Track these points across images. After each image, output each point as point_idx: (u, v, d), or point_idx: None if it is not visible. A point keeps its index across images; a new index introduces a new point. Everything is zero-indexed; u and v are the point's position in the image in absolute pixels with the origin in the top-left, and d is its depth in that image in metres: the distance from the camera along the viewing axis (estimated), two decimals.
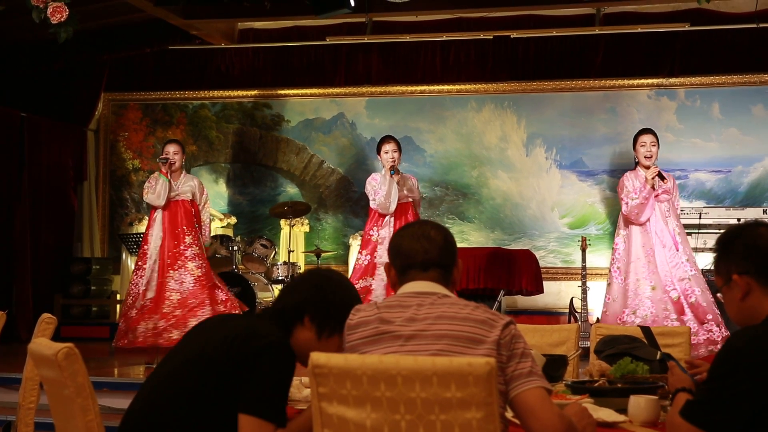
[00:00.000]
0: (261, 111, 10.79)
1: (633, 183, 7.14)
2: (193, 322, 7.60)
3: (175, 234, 7.93)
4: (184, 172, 8.23)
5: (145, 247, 7.98)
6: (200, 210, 8.17)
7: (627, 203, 7.10)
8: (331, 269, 2.90)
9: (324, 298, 2.69)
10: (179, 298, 7.76)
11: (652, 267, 7.07)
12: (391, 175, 7.67)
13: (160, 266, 7.88)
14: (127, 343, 7.74)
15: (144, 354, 7.74)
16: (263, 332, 2.54)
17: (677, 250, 7.08)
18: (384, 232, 7.74)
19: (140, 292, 7.84)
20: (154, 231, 7.98)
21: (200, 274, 7.88)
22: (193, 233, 7.98)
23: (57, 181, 10.46)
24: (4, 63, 10.12)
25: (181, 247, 7.90)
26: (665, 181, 7.14)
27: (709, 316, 6.92)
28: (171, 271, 7.85)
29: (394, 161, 7.72)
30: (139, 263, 7.99)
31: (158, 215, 7.99)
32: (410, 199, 7.91)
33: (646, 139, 7.20)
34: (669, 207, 7.21)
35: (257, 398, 2.46)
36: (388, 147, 7.76)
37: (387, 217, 7.75)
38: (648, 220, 7.13)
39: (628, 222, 7.22)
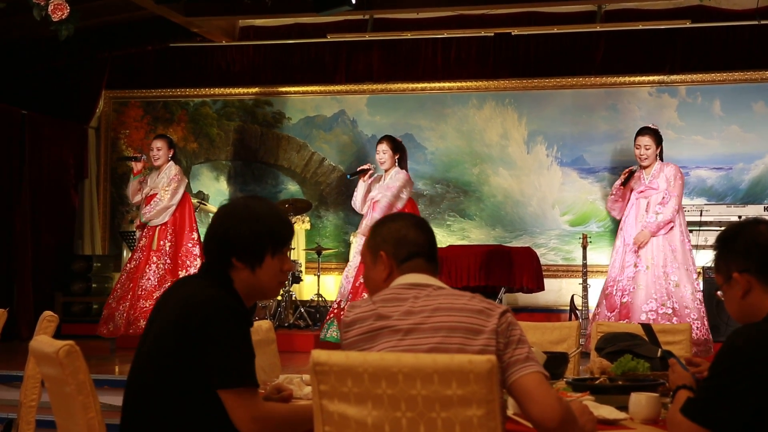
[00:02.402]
0: (262, 108, 10.79)
1: (616, 185, 7.39)
2: (117, 316, 7.76)
3: (142, 231, 8.07)
4: (171, 163, 8.23)
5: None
6: (160, 192, 8.08)
7: (607, 200, 7.54)
8: (235, 198, 2.84)
9: (235, 235, 2.63)
10: (120, 292, 7.93)
11: (609, 268, 7.43)
12: (349, 178, 7.77)
13: (138, 264, 8.06)
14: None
15: None
16: (199, 304, 2.50)
17: (639, 246, 7.16)
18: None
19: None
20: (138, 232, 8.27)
21: (133, 266, 7.96)
22: (146, 226, 8.03)
23: (58, 178, 10.46)
24: (5, 60, 10.12)
25: (150, 244, 8.01)
26: (632, 178, 7.20)
27: (641, 316, 6.94)
28: (128, 265, 8.05)
29: (383, 162, 7.77)
30: None
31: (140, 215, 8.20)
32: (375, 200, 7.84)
33: (641, 141, 7.20)
34: (650, 202, 7.21)
35: (226, 371, 2.45)
36: (380, 147, 7.85)
37: (367, 217, 7.86)
38: (622, 217, 7.34)
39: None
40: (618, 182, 7.30)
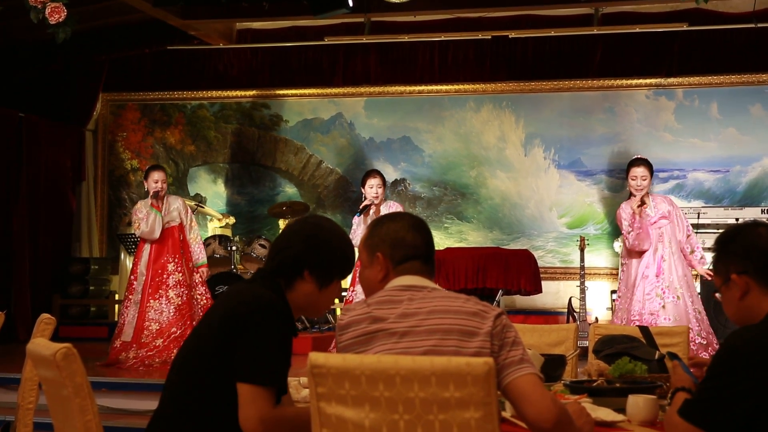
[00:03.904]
0: (259, 111, 10.79)
1: (628, 216, 7.01)
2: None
3: (160, 263, 7.80)
4: (169, 196, 8.05)
5: (132, 277, 7.90)
6: (187, 231, 7.95)
7: (627, 238, 7.05)
8: (319, 216, 2.88)
9: (320, 249, 2.68)
10: (158, 328, 7.64)
11: (627, 302, 7.06)
12: (358, 215, 7.57)
13: (142, 297, 7.77)
14: (115, 369, 7.65)
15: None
16: (247, 300, 2.55)
17: (657, 276, 6.95)
18: None
19: (125, 322, 7.76)
20: (141, 262, 7.87)
21: (180, 302, 7.73)
22: (176, 260, 7.82)
23: (55, 181, 10.45)
24: (2, 63, 10.11)
25: (164, 276, 7.76)
26: (645, 206, 6.99)
27: None
28: (152, 301, 7.72)
29: (377, 196, 7.53)
30: (127, 294, 7.88)
31: (147, 247, 7.86)
32: None
33: (637, 172, 6.95)
34: (663, 231, 7.06)
35: (249, 365, 2.47)
36: (373, 182, 7.58)
37: None
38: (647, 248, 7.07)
39: (628, 254, 7.19)
40: (632, 214, 7.00)
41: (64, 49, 8.85)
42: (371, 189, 7.55)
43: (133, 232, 8.41)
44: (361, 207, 7.58)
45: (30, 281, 9.78)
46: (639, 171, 6.95)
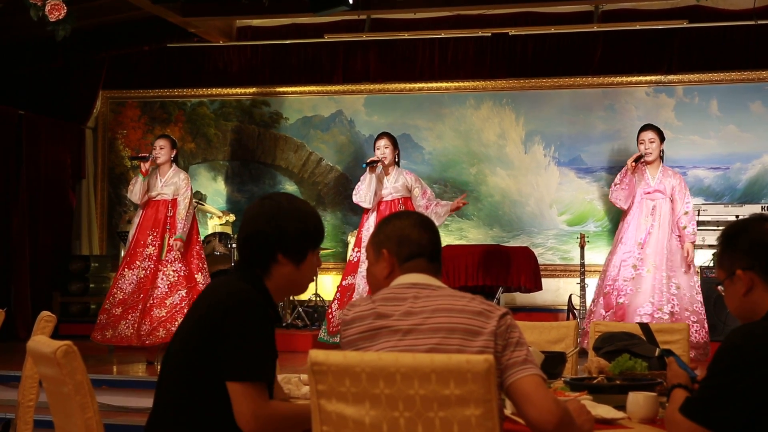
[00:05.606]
0: (259, 108, 10.79)
1: (622, 173, 7.31)
2: (122, 325, 7.61)
3: (144, 234, 7.85)
4: (174, 167, 7.99)
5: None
6: (178, 203, 7.89)
7: (612, 189, 7.36)
8: (275, 193, 2.85)
9: (286, 228, 2.66)
10: (121, 297, 7.72)
11: (608, 266, 7.33)
12: (364, 167, 7.72)
13: (120, 265, 7.91)
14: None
15: (144, 351, 7.73)
16: (222, 298, 2.54)
17: (642, 247, 7.13)
18: (367, 231, 7.71)
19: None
20: (131, 232, 8.01)
21: (144, 275, 7.74)
22: (154, 233, 7.83)
23: (55, 178, 10.45)
24: (2, 61, 10.11)
25: (142, 249, 7.81)
26: (640, 163, 7.18)
27: (635, 319, 6.94)
28: (125, 270, 7.80)
29: (384, 156, 7.71)
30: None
31: (138, 215, 7.98)
32: (399, 197, 7.78)
33: (645, 136, 7.26)
34: (657, 206, 7.19)
35: (234, 363, 2.47)
36: (380, 143, 7.78)
37: (372, 214, 7.73)
38: (629, 209, 7.26)
39: (624, 216, 7.39)
40: (625, 169, 7.23)
41: (64, 47, 8.87)
42: (378, 150, 7.77)
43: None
44: (368, 161, 7.69)
45: (30, 279, 9.78)
46: (647, 135, 7.24)
